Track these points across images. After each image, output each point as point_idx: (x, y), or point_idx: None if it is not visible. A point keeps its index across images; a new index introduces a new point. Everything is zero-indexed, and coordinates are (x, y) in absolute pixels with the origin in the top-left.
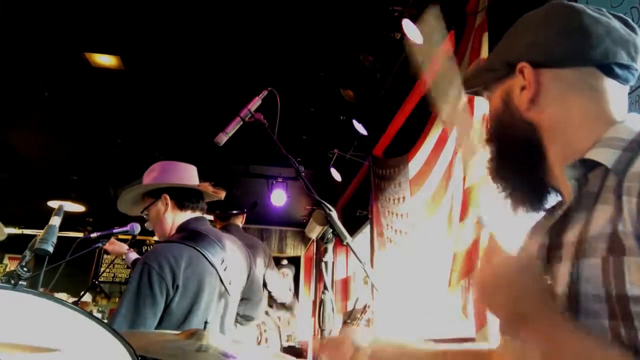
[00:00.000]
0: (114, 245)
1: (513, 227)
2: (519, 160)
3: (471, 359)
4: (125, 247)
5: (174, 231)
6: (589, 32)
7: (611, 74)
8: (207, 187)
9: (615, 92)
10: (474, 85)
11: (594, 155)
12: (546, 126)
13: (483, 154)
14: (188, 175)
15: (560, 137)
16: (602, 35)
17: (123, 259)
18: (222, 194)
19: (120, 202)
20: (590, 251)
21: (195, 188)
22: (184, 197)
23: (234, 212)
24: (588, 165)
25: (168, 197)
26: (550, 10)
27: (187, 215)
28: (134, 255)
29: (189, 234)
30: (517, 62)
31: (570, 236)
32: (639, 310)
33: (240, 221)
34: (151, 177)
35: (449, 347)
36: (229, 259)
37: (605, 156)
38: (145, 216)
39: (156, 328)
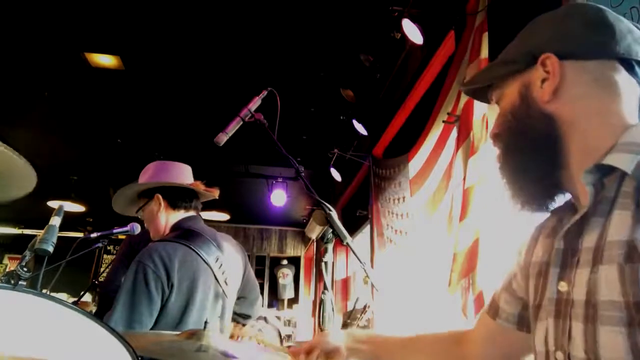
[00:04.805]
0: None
1: (512, 227)
2: (535, 154)
3: (444, 340)
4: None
5: (167, 230)
6: (613, 27)
7: (631, 70)
8: (199, 186)
9: (630, 93)
10: (485, 79)
11: (612, 160)
12: (568, 120)
13: (490, 150)
14: (181, 174)
15: (581, 133)
16: (624, 32)
17: None
18: (216, 193)
19: (115, 202)
20: (607, 258)
21: (188, 187)
22: (176, 196)
23: None
24: (605, 170)
25: (161, 197)
26: (573, 7)
27: (180, 214)
28: None
29: (183, 233)
30: (540, 53)
31: (588, 242)
32: None
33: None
34: (145, 177)
35: (421, 333)
36: (224, 258)
37: (623, 161)
38: (140, 216)
39: (152, 327)
